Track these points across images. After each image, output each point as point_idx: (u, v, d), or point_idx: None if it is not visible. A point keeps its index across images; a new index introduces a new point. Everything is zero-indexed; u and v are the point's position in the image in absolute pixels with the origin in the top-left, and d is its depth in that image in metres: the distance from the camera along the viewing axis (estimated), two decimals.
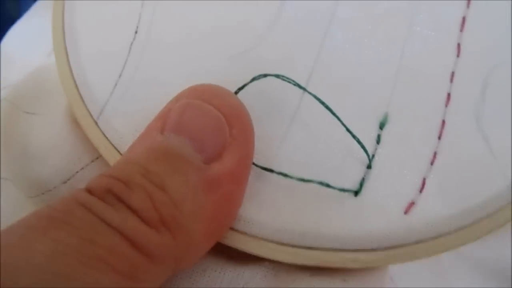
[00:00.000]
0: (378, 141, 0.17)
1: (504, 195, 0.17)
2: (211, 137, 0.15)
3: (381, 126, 0.18)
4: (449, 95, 0.18)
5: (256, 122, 0.17)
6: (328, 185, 0.17)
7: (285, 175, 0.17)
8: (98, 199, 0.13)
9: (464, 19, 0.19)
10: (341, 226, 0.17)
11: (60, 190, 0.19)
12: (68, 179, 0.19)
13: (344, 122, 0.17)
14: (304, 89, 0.17)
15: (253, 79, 0.17)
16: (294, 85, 0.17)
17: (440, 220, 0.17)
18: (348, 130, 0.17)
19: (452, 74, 0.18)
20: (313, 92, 0.18)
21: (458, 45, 0.18)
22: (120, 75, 0.19)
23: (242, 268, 0.17)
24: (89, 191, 0.13)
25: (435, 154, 0.17)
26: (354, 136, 0.17)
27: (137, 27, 0.19)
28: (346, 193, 0.17)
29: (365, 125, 0.17)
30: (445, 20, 0.18)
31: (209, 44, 0.19)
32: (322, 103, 0.17)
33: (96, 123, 0.19)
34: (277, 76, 0.17)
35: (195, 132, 0.15)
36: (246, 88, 0.17)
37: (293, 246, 0.17)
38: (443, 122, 0.18)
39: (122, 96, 0.19)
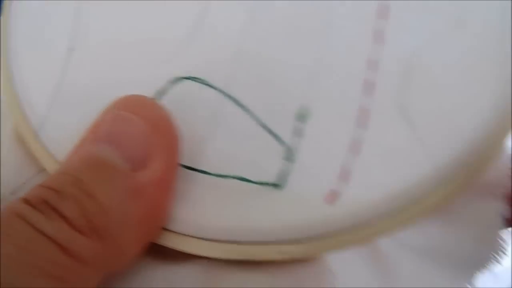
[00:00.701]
0: (297, 134, 0.17)
1: (432, 179, 0.17)
2: (137, 147, 0.16)
3: (300, 118, 0.18)
4: (369, 82, 0.18)
5: (180, 126, 0.17)
6: (245, 179, 0.17)
7: (205, 172, 0.17)
8: (34, 209, 0.14)
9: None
10: (263, 219, 0.17)
11: (9, 200, 0.20)
12: (16, 190, 0.20)
13: (264, 118, 0.17)
14: (215, 88, 0.18)
15: (170, 84, 0.18)
16: (206, 85, 0.17)
17: (364, 207, 0.17)
18: (262, 125, 0.17)
19: (372, 60, 0.18)
20: (234, 92, 0.18)
21: (378, 30, 0.18)
22: (58, 91, 0.20)
23: (176, 267, 0.18)
24: (26, 201, 0.15)
25: (356, 142, 0.17)
26: (269, 131, 0.17)
27: (72, 44, 0.20)
28: (267, 187, 0.17)
29: (284, 119, 0.18)
30: (364, 4, 0.18)
31: (136, 56, 0.19)
32: (235, 101, 0.17)
33: (37, 136, 0.19)
34: (188, 78, 0.18)
35: (123, 142, 0.16)
36: (169, 93, 0.18)
37: (218, 241, 0.17)
38: (364, 110, 0.18)
39: (60, 110, 0.19)
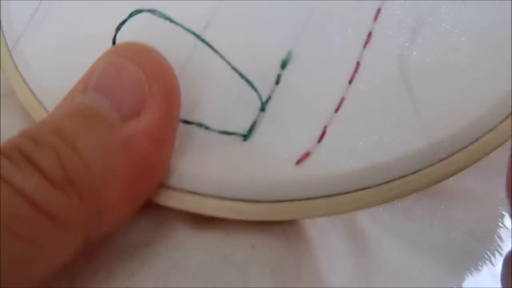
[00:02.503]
0: (277, 82, 0.15)
1: (423, 155, 0.15)
2: (128, 94, 0.14)
3: (283, 65, 0.15)
4: (370, 34, 0.15)
5: None
6: (206, 127, 0.15)
7: None
8: (6, 159, 0.12)
9: None
10: (221, 171, 0.15)
11: None
12: None
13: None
14: (175, 22, 0.16)
15: (130, 15, 0.16)
16: (169, 21, 0.16)
17: (337, 175, 0.15)
18: (233, 68, 0.15)
19: (378, 11, 0.15)
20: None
21: None
22: (35, 13, 0.18)
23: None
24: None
25: (342, 99, 0.15)
26: (241, 75, 0.15)
27: None
28: (233, 137, 0.15)
29: (265, 65, 0.15)
30: None
31: None
32: (207, 43, 0.15)
33: (10, 56, 0.18)
34: (150, 11, 0.15)
35: (113, 89, 0.14)
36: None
37: (172, 189, 0.15)
38: (358, 64, 0.15)
39: (34, 31, 0.18)
